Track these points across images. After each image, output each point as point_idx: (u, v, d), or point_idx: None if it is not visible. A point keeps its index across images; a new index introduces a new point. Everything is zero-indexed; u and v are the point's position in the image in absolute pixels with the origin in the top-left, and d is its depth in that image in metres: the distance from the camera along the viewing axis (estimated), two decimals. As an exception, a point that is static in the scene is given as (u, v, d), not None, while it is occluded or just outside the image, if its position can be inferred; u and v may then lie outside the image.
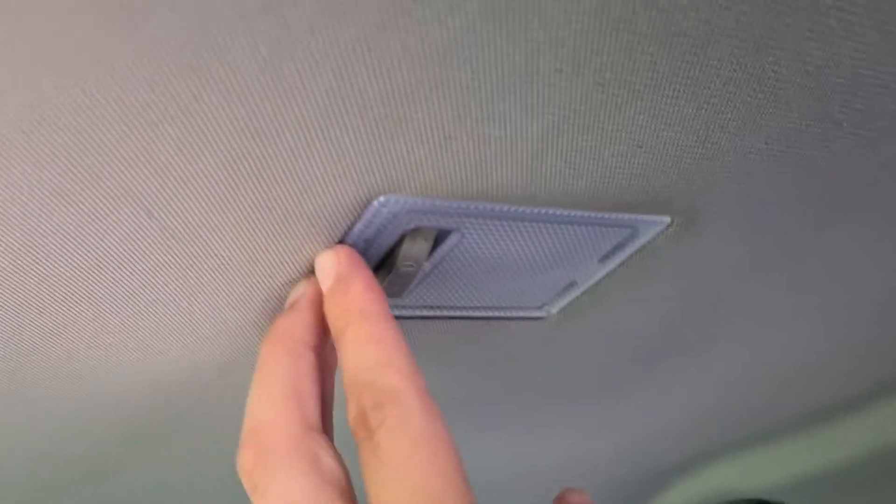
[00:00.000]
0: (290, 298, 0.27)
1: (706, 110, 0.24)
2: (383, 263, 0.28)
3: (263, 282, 0.27)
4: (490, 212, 0.26)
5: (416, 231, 0.26)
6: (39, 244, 0.23)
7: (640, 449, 0.62)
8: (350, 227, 0.25)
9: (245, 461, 0.23)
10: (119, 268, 0.25)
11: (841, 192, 0.31)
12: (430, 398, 0.22)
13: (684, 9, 0.20)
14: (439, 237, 0.27)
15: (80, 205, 0.22)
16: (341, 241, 0.26)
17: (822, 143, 0.28)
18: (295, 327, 0.25)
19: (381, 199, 0.24)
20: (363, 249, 0.26)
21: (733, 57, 0.22)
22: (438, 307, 0.32)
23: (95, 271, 0.25)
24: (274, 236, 0.25)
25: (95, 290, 0.26)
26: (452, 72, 0.20)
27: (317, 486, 0.21)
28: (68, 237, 0.24)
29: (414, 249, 0.27)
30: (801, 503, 0.74)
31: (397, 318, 0.32)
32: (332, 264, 0.25)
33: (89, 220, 0.23)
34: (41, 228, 0.23)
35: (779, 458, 0.71)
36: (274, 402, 0.23)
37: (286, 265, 0.27)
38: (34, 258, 0.24)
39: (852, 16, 0.22)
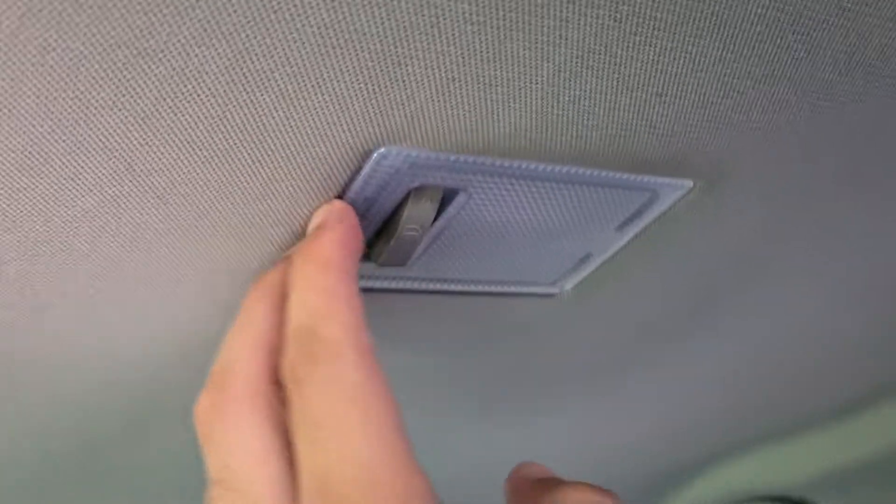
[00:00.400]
0: (287, 253, 0.25)
1: (733, 53, 0.22)
2: (386, 228, 0.26)
3: (258, 247, 0.26)
4: (500, 169, 0.25)
5: (420, 190, 0.24)
6: (15, 208, 0.22)
7: (656, 445, 0.60)
8: (349, 184, 0.23)
9: (201, 404, 0.21)
10: (101, 233, 0.24)
11: (875, 153, 0.29)
12: (374, 358, 0.20)
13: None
14: (445, 199, 0.26)
15: (54, 162, 0.21)
16: (339, 198, 0.24)
17: (857, 97, 0.26)
18: (280, 279, 0.23)
19: (382, 150, 0.22)
20: (364, 210, 0.24)
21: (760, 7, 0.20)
22: (444, 280, 0.30)
23: (73, 236, 0.24)
24: (267, 194, 0.23)
25: (76, 257, 0.25)
26: (454, 3, 0.19)
27: (269, 441, 0.20)
28: (43, 199, 0.22)
29: (418, 211, 0.25)
30: (824, 499, 0.72)
31: (400, 290, 0.30)
32: (319, 214, 0.24)
33: (65, 179, 0.21)
34: (16, 187, 0.21)
35: (800, 453, 0.69)
36: (244, 347, 0.22)
37: (282, 227, 0.25)
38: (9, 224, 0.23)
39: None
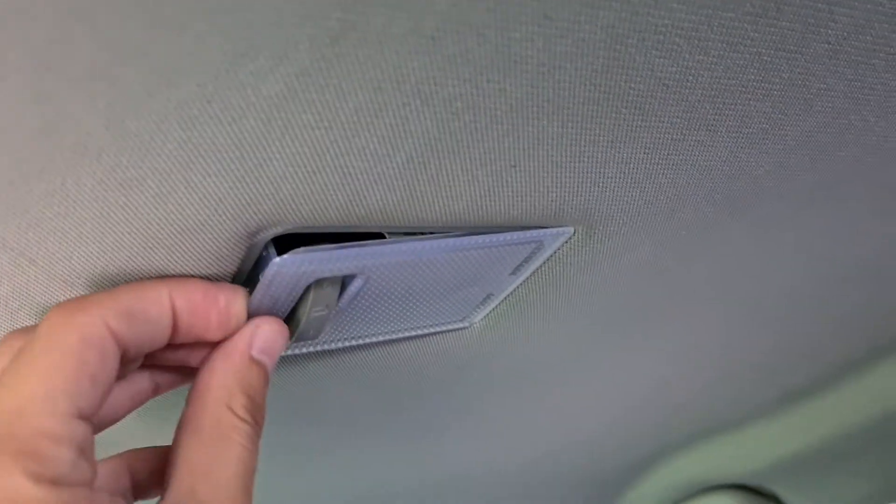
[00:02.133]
0: None
1: (572, 128, 0.25)
2: (295, 311, 0.29)
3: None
4: (387, 251, 0.27)
5: (320, 280, 0.27)
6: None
7: (603, 445, 0.63)
8: (253, 288, 0.26)
9: None
10: (16, 314, 0.26)
11: (731, 188, 0.32)
12: None
13: (518, 40, 0.21)
14: (345, 280, 0.28)
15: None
16: (250, 296, 0.27)
17: (703, 148, 0.28)
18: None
19: (277, 260, 0.25)
20: (271, 305, 0.27)
21: (584, 78, 0.23)
22: (357, 337, 0.33)
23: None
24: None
25: None
26: (297, 115, 0.21)
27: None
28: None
29: (321, 296, 0.28)
30: (778, 485, 0.74)
31: (318, 353, 0.33)
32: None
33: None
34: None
35: (752, 443, 0.71)
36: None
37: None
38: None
39: (698, 32, 0.22)
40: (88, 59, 0.18)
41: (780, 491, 0.75)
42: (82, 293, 0.26)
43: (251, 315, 0.27)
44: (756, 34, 0.23)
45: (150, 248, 0.25)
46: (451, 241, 0.28)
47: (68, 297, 0.26)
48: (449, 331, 0.36)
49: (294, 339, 0.29)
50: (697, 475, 0.75)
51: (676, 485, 0.75)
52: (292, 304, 0.28)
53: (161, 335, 0.24)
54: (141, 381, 0.27)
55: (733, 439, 0.72)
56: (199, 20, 0.18)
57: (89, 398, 0.22)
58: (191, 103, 0.20)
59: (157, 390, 0.27)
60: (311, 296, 0.28)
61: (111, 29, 0.17)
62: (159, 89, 0.19)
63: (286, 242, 0.26)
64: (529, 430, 0.55)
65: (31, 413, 0.21)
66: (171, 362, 0.27)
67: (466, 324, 0.37)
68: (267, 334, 0.27)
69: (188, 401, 0.26)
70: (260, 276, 0.26)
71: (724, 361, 0.55)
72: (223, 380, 0.25)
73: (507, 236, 0.30)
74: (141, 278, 0.26)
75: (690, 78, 0.24)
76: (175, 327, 0.25)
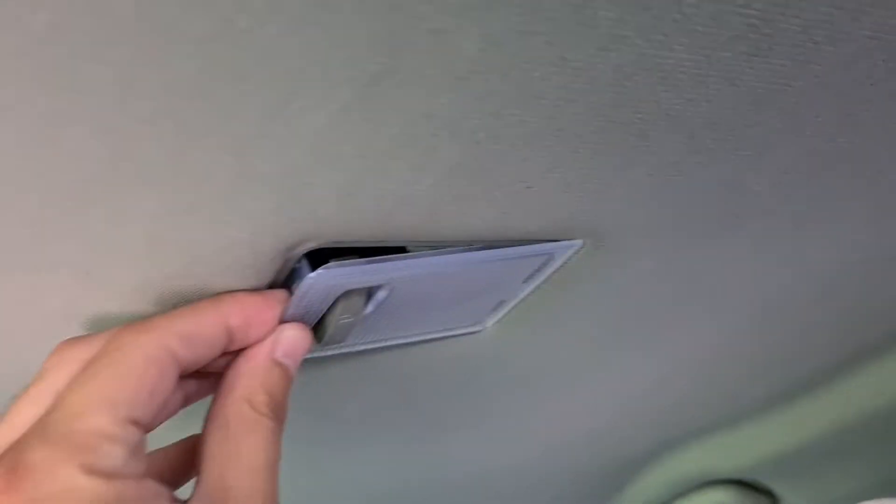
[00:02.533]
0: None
1: (583, 154, 0.27)
2: (324, 317, 0.31)
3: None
4: (411, 265, 0.30)
5: (348, 291, 0.30)
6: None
7: (602, 442, 0.65)
8: (287, 303, 0.29)
9: None
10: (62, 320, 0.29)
11: (730, 204, 0.34)
12: None
13: (538, 79, 0.23)
14: (371, 290, 0.31)
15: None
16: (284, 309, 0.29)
17: (702, 168, 0.31)
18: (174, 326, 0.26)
19: (312, 275, 0.28)
20: (302, 314, 0.30)
21: (594, 111, 0.25)
22: (378, 340, 0.36)
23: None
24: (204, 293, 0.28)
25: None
26: (338, 146, 0.23)
27: None
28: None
29: (349, 305, 0.30)
30: (774, 481, 0.76)
31: (339, 355, 0.35)
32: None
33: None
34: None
35: (749, 438, 0.73)
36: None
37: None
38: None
39: (699, 70, 0.25)
40: (155, 100, 0.20)
41: (774, 486, 0.77)
42: (130, 304, 0.28)
43: (285, 322, 0.29)
44: (751, 70, 0.25)
45: (195, 263, 0.27)
46: (469, 255, 0.30)
47: (117, 307, 0.29)
48: (463, 334, 0.39)
49: (322, 344, 0.32)
50: (694, 471, 0.77)
51: (674, 480, 0.77)
52: (322, 313, 0.30)
53: (215, 353, 0.27)
54: (188, 386, 0.29)
55: (729, 436, 0.74)
56: (256, 67, 0.20)
57: (146, 409, 0.24)
58: (245, 137, 0.22)
59: (200, 393, 0.30)
60: (339, 305, 0.30)
61: (178, 72, 0.20)
62: (218, 126, 0.21)
63: (316, 254, 0.29)
64: (534, 428, 0.58)
65: (91, 415, 0.23)
66: (214, 369, 0.29)
67: (479, 327, 0.39)
68: (290, 339, 0.29)
69: (215, 397, 0.28)
70: (294, 288, 0.29)
71: (720, 361, 0.57)
72: (247, 379, 0.28)
73: (521, 249, 0.32)
74: (184, 289, 0.28)
75: (691, 108, 0.27)
76: (227, 345, 0.28)
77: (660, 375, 0.56)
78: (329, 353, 0.35)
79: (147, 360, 0.24)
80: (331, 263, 0.28)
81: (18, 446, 0.22)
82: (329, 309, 0.31)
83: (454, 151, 0.25)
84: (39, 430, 0.22)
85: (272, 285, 0.30)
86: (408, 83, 0.22)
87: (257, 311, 0.28)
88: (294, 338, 0.29)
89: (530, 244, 0.32)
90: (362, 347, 0.35)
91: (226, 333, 0.27)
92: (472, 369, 0.44)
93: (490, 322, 0.39)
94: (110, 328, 0.26)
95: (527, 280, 0.35)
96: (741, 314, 0.49)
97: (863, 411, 0.70)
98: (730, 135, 0.28)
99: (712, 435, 0.75)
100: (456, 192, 0.27)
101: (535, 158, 0.27)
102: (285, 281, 0.30)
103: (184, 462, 0.29)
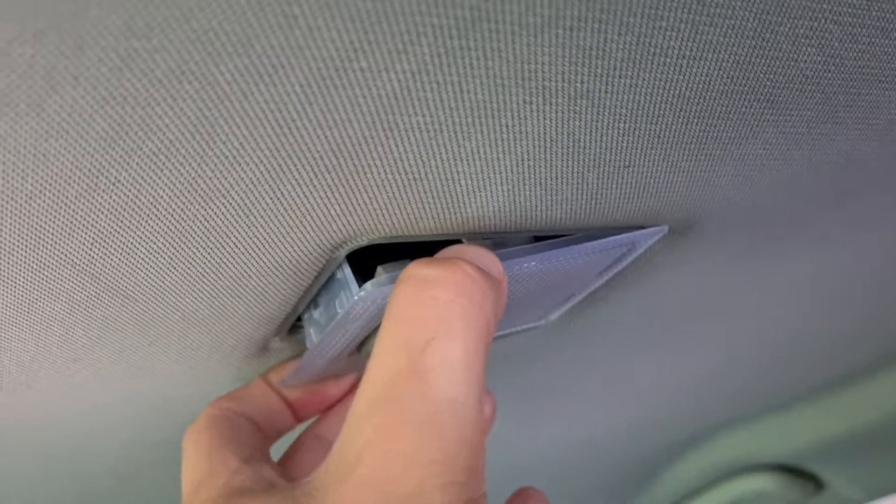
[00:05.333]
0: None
1: (696, 125, 0.22)
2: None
3: (229, 334, 0.26)
4: None
5: None
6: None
7: (645, 426, 0.61)
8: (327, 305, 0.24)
9: None
10: (72, 328, 0.24)
11: (840, 181, 0.29)
12: None
13: (663, 29, 0.18)
14: None
15: (25, 276, 0.21)
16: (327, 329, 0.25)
17: (825, 140, 0.25)
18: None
19: (362, 294, 0.22)
20: (348, 337, 0.25)
21: (722, 70, 0.20)
22: None
23: (46, 334, 0.24)
24: (238, 292, 0.23)
25: (49, 348, 0.25)
26: (407, 117, 0.18)
27: None
28: (12, 307, 0.22)
29: None
30: (821, 467, 0.73)
31: None
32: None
33: (34, 289, 0.21)
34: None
35: (797, 423, 0.70)
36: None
37: (252, 319, 0.25)
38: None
39: (851, 18, 0.20)
40: (176, 55, 0.15)
41: (822, 472, 0.74)
42: (144, 308, 0.24)
43: (325, 343, 0.25)
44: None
45: (225, 263, 0.22)
46: (546, 254, 0.25)
47: (129, 311, 0.24)
48: (524, 330, 0.34)
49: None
50: (739, 454, 0.73)
51: (716, 464, 0.74)
52: (372, 328, 0.25)
53: (285, 418, 0.28)
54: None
55: (778, 420, 0.70)
56: (313, 11, 0.15)
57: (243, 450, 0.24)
58: (290, 105, 0.17)
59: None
60: None
61: (205, 18, 0.14)
62: (258, 89, 0.16)
63: (358, 256, 0.24)
64: (583, 414, 0.54)
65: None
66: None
67: (542, 322, 0.34)
68: None
69: None
70: (336, 304, 0.24)
71: (784, 346, 0.53)
72: None
73: (603, 242, 0.27)
74: (217, 289, 0.23)
75: (833, 67, 0.22)
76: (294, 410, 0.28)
77: (713, 363, 0.52)
78: None
79: (212, 420, 0.27)
80: (382, 277, 0.23)
81: None
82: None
83: (547, 123, 0.20)
84: None
85: (310, 288, 0.25)
86: (503, 33, 0.17)
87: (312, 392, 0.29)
88: None
89: (614, 236, 0.27)
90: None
91: (282, 402, 0.28)
92: (525, 361, 0.40)
93: (554, 316, 0.34)
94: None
95: (602, 272, 0.30)
96: (815, 299, 0.44)
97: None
98: (865, 99, 0.23)
99: (760, 419, 0.71)
100: (541, 175, 0.22)
101: (640, 132, 0.22)
102: (325, 286, 0.25)
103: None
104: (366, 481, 0.18)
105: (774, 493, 0.76)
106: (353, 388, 0.29)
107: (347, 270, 0.23)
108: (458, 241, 0.25)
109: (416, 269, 0.20)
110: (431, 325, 0.19)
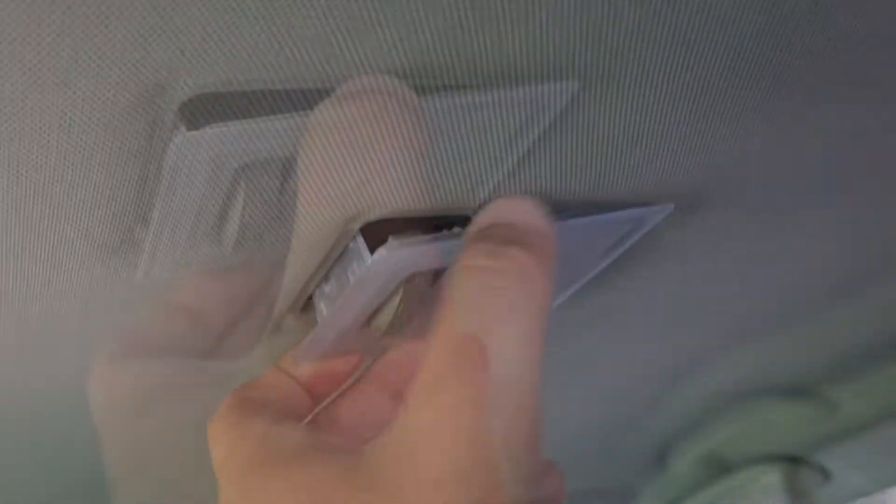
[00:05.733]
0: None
1: (704, 100, 0.23)
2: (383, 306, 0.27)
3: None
4: None
5: (413, 276, 0.25)
6: None
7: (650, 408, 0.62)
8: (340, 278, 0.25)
9: None
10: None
11: (850, 158, 0.29)
12: None
13: (674, 2, 0.18)
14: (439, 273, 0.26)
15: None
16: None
17: (831, 117, 0.26)
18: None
19: (375, 257, 0.23)
20: (359, 306, 0.25)
21: (730, 46, 0.20)
22: None
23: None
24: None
25: None
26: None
27: None
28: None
29: (413, 293, 0.25)
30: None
31: None
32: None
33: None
34: None
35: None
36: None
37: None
38: None
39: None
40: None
41: (828, 463, 0.74)
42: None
43: (336, 316, 0.25)
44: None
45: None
46: (554, 225, 0.26)
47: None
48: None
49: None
50: (747, 446, 0.72)
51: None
52: (382, 300, 0.26)
53: (302, 399, 0.27)
54: None
55: (790, 408, 0.69)
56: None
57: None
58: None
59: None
60: (402, 291, 0.25)
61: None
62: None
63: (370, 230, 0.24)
64: (592, 396, 0.54)
65: None
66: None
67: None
68: None
69: None
70: (349, 273, 0.24)
71: (790, 326, 0.53)
72: None
73: (611, 216, 0.27)
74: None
75: (839, 47, 0.22)
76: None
77: (710, 345, 0.52)
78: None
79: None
80: (393, 244, 0.23)
81: None
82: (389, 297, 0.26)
83: (563, 99, 0.20)
84: None
85: (324, 262, 0.25)
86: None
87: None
88: None
89: (618, 210, 0.27)
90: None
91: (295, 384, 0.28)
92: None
93: (560, 300, 0.34)
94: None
95: (609, 251, 0.31)
96: (817, 280, 0.44)
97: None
98: (881, 79, 0.24)
99: (770, 406, 0.70)
100: (554, 150, 0.22)
101: (648, 107, 0.22)
102: (337, 260, 0.25)
103: None
104: (429, 458, 0.19)
105: (781, 484, 0.76)
106: (359, 363, 0.29)
107: (360, 240, 0.23)
108: (468, 219, 0.25)
109: (474, 260, 0.21)
110: (492, 313, 0.20)
